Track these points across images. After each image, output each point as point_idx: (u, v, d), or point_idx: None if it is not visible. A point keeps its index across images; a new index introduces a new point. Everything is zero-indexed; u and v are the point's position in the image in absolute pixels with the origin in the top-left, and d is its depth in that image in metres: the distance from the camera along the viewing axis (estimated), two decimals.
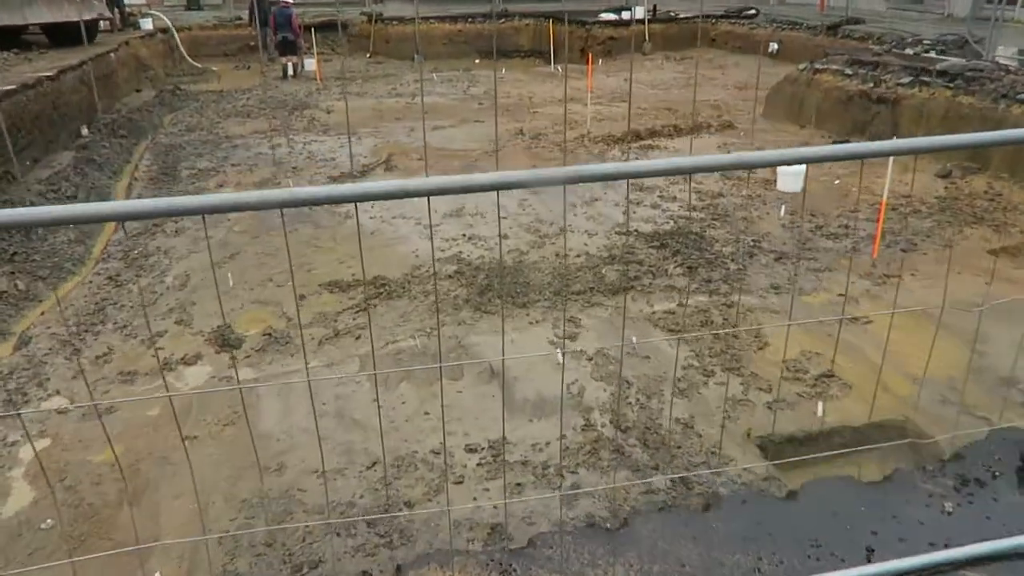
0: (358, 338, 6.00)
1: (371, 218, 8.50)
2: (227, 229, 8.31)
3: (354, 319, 6.28)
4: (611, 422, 4.75)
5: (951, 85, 9.76)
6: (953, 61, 10.36)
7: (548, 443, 4.59)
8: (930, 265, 7.02)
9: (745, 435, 4.67)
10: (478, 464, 4.45)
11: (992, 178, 9.11)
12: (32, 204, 8.68)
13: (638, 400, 4.97)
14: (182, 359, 5.76)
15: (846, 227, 7.97)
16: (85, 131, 11.87)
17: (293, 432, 4.81)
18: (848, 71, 11.22)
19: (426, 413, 4.93)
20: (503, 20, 21.25)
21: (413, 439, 4.68)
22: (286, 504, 4.20)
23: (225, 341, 5.99)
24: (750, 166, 1.52)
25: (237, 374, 5.49)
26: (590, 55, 12.51)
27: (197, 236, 8.09)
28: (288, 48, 17.67)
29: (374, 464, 4.46)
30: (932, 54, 11.68)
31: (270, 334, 6.07)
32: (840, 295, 6.54)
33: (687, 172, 1.42)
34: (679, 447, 4.53)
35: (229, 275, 7.03)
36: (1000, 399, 5.03)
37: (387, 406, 5.02)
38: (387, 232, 8.10)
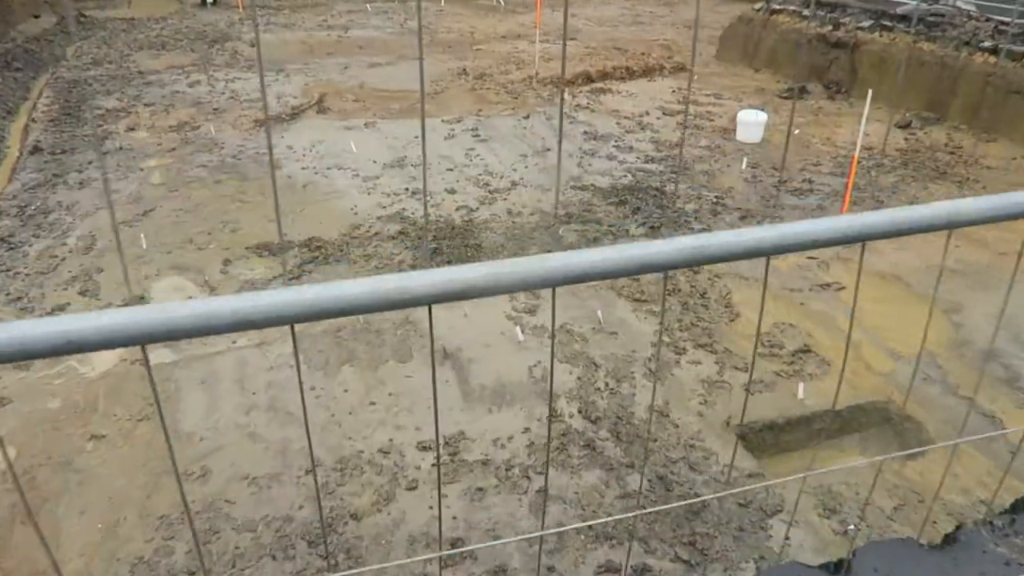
0: None
1: (303, 168, 7.72)
2: (140, 181, 7.43)
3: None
4: (580, 411, 4.30)
5: (912, 30, 9.41)
6: (914, 5, 9.99)
7: (511, 437, 4.12)
8: None
9: (724, 424, 4.29)
10: (432, 465, 3.95)
11: (951, 129, 8.87)
12: None
13: (607, 385, 4.52)
14: None
15: (810, 182, 7.61)
16: None
17: (220, 428, 4.22)
18: (805, 12, 10.75)
19: (372, 403, 4.38)
20: None
21: (358, 435, 4.15)
22: (211, 519, 3.63)
23: None
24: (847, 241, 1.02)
25: (148, 363, 4.82)
26: None
27: (104, 190, 7.20)
28: None
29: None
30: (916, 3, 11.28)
31: None
32: (809, 257, 6.20)
33: (767, 254, 0.91)
34: (654, 440, 4.13)
35: (142, 236, 6.24)
36: (984, 376, 4.78)
37: (327, 395, 4.45)
38: (322, 185, 7.36)
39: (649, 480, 3.85)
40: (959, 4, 9.89)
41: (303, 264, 5.93)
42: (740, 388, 4.59)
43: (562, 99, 1.07)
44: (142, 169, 7.70)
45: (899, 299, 5.62)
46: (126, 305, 4.59)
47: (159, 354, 4.86)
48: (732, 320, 5.32)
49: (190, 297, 5.41)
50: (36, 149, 8.14)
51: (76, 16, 14.51)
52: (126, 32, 13.71)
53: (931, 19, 9.31)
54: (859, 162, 7.97)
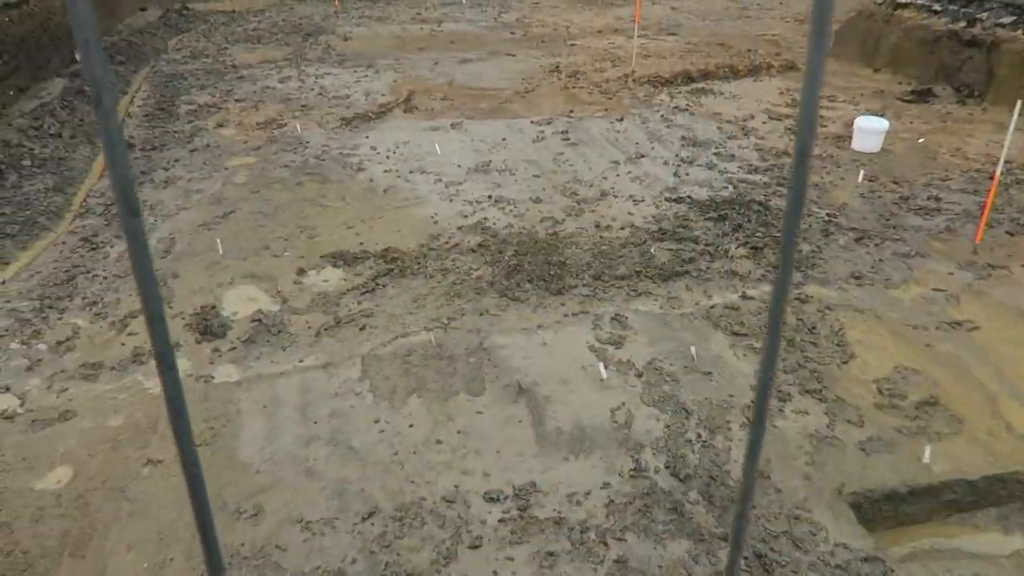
0: (362, 328, 5.08)
1: (386, 172, 7.47)
2: (224, 180, 7.35)
3: (359, 303, 5.36)
4: (667, 466, 3.83)
5: None
6: None
7: (588, 493, 3.69)
8: None
9: (836, 491, 3.73)
10: (500, 520, 3.56)
11: None
12: (10, 143, 7.77)
13: (699, 436, 4.03)
14: None
15: (936, 199, 6.82)
16: (79, 56, 10.86)
17: (277, 461, 3.96)
18: (936, 6, 9.76)
19: (438, 442, 4.03)
20: None
21: (421, 479, 3.80)
22: (259, 567, 3.37)
23: (208, 327, 5.11)
24: None
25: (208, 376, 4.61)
26: None
27: (188, 189, 7.15)
28: None
29: (372, 514, 3.60)
30: None
31: (260, 320, 5.17)
32: (936, 289, 5.49)
33: None
34: (753, 507, 3.61)
35: (219, 241, 6.10)
36: None
37: (391, 429, 4.13)
38: (403, 190, 7.09)
39: (745, 557, 3.35)
40: None
41: (378, 277, 5.65)
42: (855, 447, 4.01)
43: None
44: (227, 168, 7.62)
45: None
46: (197, 315, 4.39)
47: (223, 371, 4.66)
48: (845, 362, 4.70)
49: (259, 310, 5.23)
50: (128, 145, 8.20)
51: (179, 9, 14.82)
52: (225, 25, 13.90)
53: None
54: (993, 176, 7.13)
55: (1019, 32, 8.68)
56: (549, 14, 14.77)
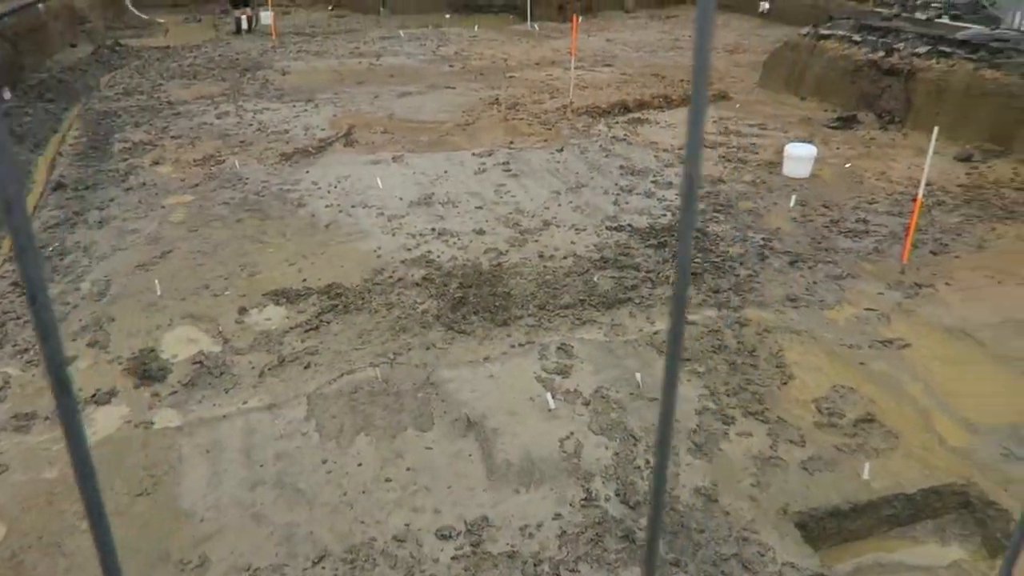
0: (307, 367, 5.01)
1: (327, 206, 7.43)
2: (160, 219, 7.19)
3: (303, 341, 5.29)
4: (617, 494, 3.86)
5: (973, 57, 8.85)
6: (976, 30, 9.43)
7: (540, 525, 3.69)
8: (965, 271, 6.18)
9: (781, 511, 3.81)
10: (453, 557, 3.54)
11: (1017, 163, 8.28)
12: None
13: (648, 463, 4.08)
14: (93, 396, 4.74)
15: (864, 221, 7.10)
16: (7, 94, 10.54)
17: (222, 507, 3.86)
18: (856, 37, 10.24)
19: (387, 480, 3.99)
20: None
21: (371, 519, 3.75)
22: None
23: (146, 371, 4.97)
24: None
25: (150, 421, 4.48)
26: (575, 17, 11.34)
27: (124, 229, 6.97)
28: (243, 0, 16.17)
29: (321, 558, 3.53)
30: (945, 19, 10.73)
31: (201, 362, 5.06)
32: (868, 309, 5.69)
33: None
34: (702, 530, 3.67)
35: (156, 282, 5.96)
36: None
37: (339, 469, 4.07)
38: (345, 225, 7.05)
39: None
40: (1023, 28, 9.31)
41: (321, 313, 5.59)
42: (797, 466, 4.11)
43: None
44: (163, 206, 7.47)
45: (971, 359, 5.09)
46: (135, 359, 4.27)
47: (164, 416, 4.54)
48: (785, 383, 4.83)
49: (200, 351, 5.12)
50: (59, 185, 7.98)
51: (112, 45, 14.55)
52: (160, 61, 13.68)
53: (994, 45, 8.75)
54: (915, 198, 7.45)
55: (933, 61, 9.16)
56: (487, 47, 14.97)
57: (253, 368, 5.00)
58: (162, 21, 17.24)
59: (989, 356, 5.12)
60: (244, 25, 16.22)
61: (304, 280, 6.05)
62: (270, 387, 4.81)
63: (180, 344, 5.30)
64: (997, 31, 9.22)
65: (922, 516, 4.04)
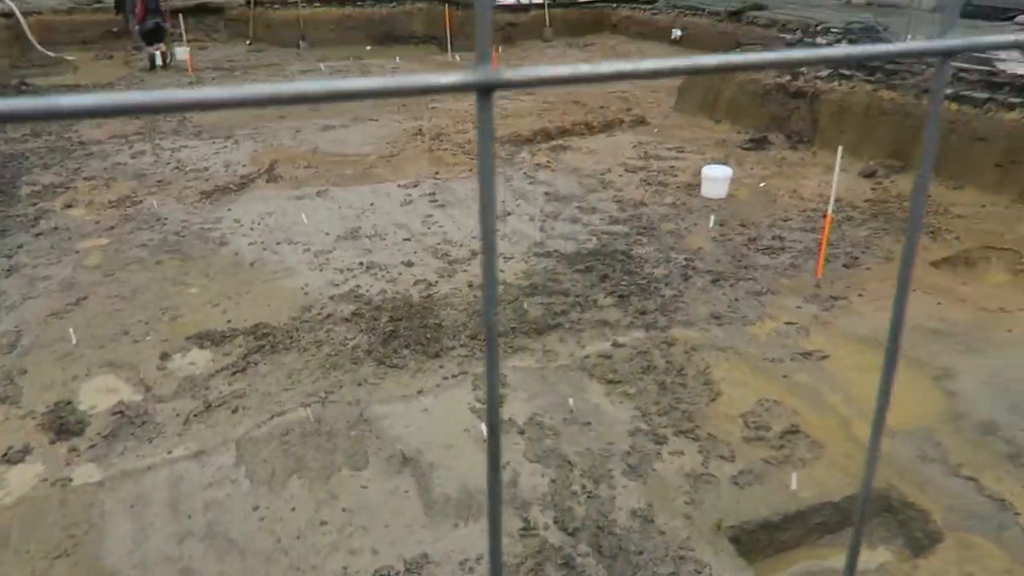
0: (235, 411, 4.88)
1: (251, 244, 7.29)
2: (74, 264, 6.92)
3: (230, 384, 5.16)
4: (555, 522, 3.87)
5: (871, 79, 9.36)
6: None
7: (480, 558, 3.68)
8: (876, 283, 6.48)
9: (715, 527, 3.89)
10: None
11: (916, 177, 8.74)
12: None
13: (584, 487, 4.11)
14: (4, 455, 4.50)
15: (780, 238, 7.38)
16: None
17: (149, 564, 3.70)
18: None
19: (323, 523, 3.91)
20: (394, 4, 19.94)
21: (306, 564, 3.66)
22: None
23: (63, 425, 4.76)
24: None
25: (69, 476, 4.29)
26: (496, 48, 11.52)
27: (35, 276, 6.68)
28: (157, 35, 15.80)
29: None
30: (843, 44, 11.33)
31: (122, 412, 4.87)
32: (788, 323, 5.91)
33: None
34: (640, 552, 3.71)
35: (71, 330, 5.73)
36: (985, 453, 4.46)
37: (272, 515, 3.97)
38: (270, 262, 6.93)
39: None
40: None
41: (248, 354, 5.46)
42: (728, 481, 4.21)
43: None
44: (77, 251, 7.20)
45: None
46: (50, 413, 4.08)
47: (83, 472, 4.34)
48: (713, 399, 4.96)
49: (121, 401, 4.93)
50: None
51: (17, 84, 14.02)
52: None
53: (889, 67, 9.28)
54: (825, 214, 7.79)
55: (835, 84, 9.65)
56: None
57: (178, 415, 4.84)
58: (71, 58, 16.70)
59: (901, 362, 5.37)
60: (159, 61, 15.86)
61: (229, 321, 5.91)
62: (196, 434, 4.66)
63: (99, 394, 5.09)
64: None
65: (849, 523, 4.18)
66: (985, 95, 8.40)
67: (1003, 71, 9.01)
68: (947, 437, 4.60)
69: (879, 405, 0.88)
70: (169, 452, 4.50)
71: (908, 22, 10.28)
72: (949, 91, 8.64)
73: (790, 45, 10.94)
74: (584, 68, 0.64)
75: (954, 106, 8.56)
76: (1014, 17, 13.72)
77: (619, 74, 0.65)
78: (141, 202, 8.38)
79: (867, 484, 0.96)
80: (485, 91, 0.60)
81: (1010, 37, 0.91)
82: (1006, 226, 7.52)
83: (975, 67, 9.14)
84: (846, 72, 9.64)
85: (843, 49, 0.90)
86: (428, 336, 5.64)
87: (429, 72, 0.59)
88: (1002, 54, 10.32)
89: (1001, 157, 8.13)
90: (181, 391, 5.08)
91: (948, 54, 0.77)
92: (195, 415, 4.83)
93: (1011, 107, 8.17)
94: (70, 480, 4.28)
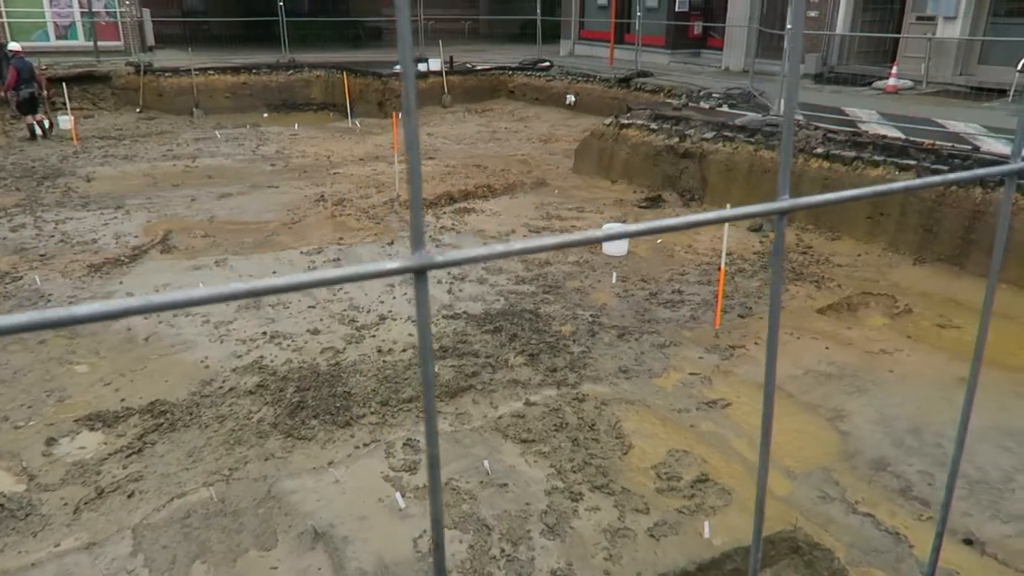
0: (131, 495, 4.60)
1: (146, 319, 6.97)
2: None
3: (124, 467, 4.86)
4: None
5: (752, 140, 9.99)
6: (751, 116, 10.69)
7: None
8: None
9: None
10: None
11: (799, 230, 9.34)
12: None
13: (503, 551, 4.06)
14: None
15: (679, 292, 7.67)
16: None
17: None
18: (653, 126, 11.27)
19: None
20: (291, 72, 19.95)
21: None
22: None
23: None
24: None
25: None
26: (396, 115, 11.67)
27: None
28: (32, 105, 15.12)
29: None
30: (725, 107, 12.09)
31: (2, 504, 4.50)
32: (691, 373, 6.10)
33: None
34: None
35: None
36: (879, 488, 4.70)
37: None
38: (167, 336, 6.64)
39: None
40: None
41: (144, 435, 5.18)
42: (645, 534, 4.26)
43: None
44: None
45: (784, 411, 5.56)
46: None
47: None
48: (625, 453, 5.03)
49: (1, 493, 4.56)
50: None
51: None
52: None
53: (767, 129, 9.95)
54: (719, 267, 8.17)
55: (720, 145, 10.25)
56: (309, 144, 14.96)
57: (66, 504, 4.51)
58: None
59: (798, 406, 5.63)
60: (38, 131, 15.19)
61: (123, 400, 5.60)
62: (88, 523, 4.35)
63: None
64: (768, 117, 10.50)
65: (761, 566, 4.29)
66: (852, 154, 9.11)
67: (865, 132, 9.81)
68: (844, 476, 4.83)
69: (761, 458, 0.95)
70: (57, 545, 4.17)
71: (780, 88, 11.07)
72: (820, 150, 9.34)
73: (677, 110, 11.57)
74: (517, 245, 0.74)
75: (826, 163, 9.23)
76: (871, 83, 15.03)
77: (553, 246, 0.74)
78: (22, 278, 7.91)
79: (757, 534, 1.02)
80: (421, 272, 0.71)
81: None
82: (880, 273, 8.10)
83: (842, 128, 9.93)
84: (729, 134, 10.26)
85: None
86: (337, 405, 5.51)
87: (370, 262, 0.67)
88: (862, 115, 11.27)
89: (871, 210, 8.79)
90: (70, 478, 4.74)
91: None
92: (86, 503, 4.51)
93: (876, 164, 8.89)
94: None
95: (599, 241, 0.78)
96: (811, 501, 4.59)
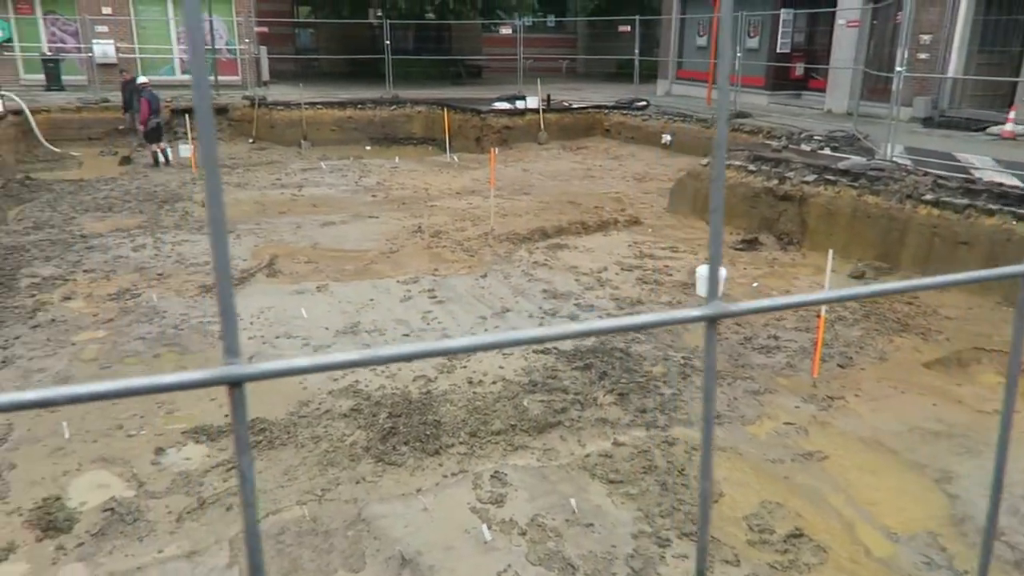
0: (229, 508, 4.79)
1: (250, 338, 7.31)
2: (70, 357, 6.91)
3: (225, 481, 5.08)
4: None
5: (855, 184, 9.70)
6: (855, 160, 10.38)
7: None
8: (871, 383, 6.53)
9: None
10: None
11: (904, 278, 8.93)
12: None
13: None
14: None
15: (775, 338, 7.46)
16: None
17: None
18: (751, 167, 11.10)
19: None
20: (394, 107, 20.69)
21: None
22: None
23: (51, 522, 4.64)
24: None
25: None
26: (493, 150, 11.93)
27: (29, 368, 6.65)
28: (157, 135, 16.24)
29: None
30: (827, 150, 11.79)
31: (113, 508, 4.77)
32: (786, 423, 5.91)
33: None
34: None
35: (64, 424, 5.66)
36: (991, 558, 4.39)
37: None
38: (269, 357, 6.93)
39: None
40: (896, 159, 10.30)
41: None
42: None
43: None
44: (74, 343, 7.19)
45: (886, 468, 5.31)
46: (38, 509, 3.99)
47: (70, 571, 4.22)
48: (716, 501, 4.90)
49: (112, 497, 4.83)
50: None
51: (22, 179, 14.30)
52: (73, 194, 13.48)
53: (872, 173, 9.64)
54: (819, 315, 7.90)
55: (821, 188, 9.99)
56: (408, 177, 15.44)
57: (170, 513, 4.74)
58: (76, 154, 17.11)
59: (902, 464, 5.36)
60: (161, 159, 16.26)
61: (226, 415, 5.86)
62: (189, 532, 4.56)
63: (90, 490, 4.99)
64: (872, 161, 10.17)
65: None
66: (965, 201, 8.70)
67: (980, 179, 9.36)
68: (951, 542, 4.55)
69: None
70: (160, 551, 4.38)
71: (886, 131, 10.72)
72: (929, 197, 8.96)
73: (776, 151, 11.36)
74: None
75: (936, 211, 8.85)
76: (986, 128, 14.35)
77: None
78: (140, 295, 8.43)
79: None
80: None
81: None
82: (993, 327, 7.65)
83: (954, 175, 9.51)
84: (831, 177, 9.99)
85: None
86: (427, 433, 5.61)
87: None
88: (976, 162, 10.76)
89: (984, 261, 8.35)
90: (175, 487, 4.99)
91: None
92: (188, 512, 4.73)
93: (991, 212, 8.46)
94: None
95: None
96: (914, 566, 4.34)
